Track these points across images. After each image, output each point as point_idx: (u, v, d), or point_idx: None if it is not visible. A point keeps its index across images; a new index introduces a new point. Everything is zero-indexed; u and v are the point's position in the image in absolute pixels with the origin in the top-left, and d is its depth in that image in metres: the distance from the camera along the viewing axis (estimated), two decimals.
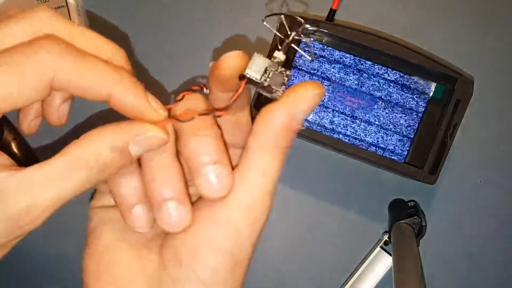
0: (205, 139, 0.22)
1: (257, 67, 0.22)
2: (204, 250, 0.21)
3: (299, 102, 0.21)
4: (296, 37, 0.23)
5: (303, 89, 0.21)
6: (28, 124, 0.23)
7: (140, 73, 0.47)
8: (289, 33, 0.23)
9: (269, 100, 0.22)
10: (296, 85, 0.22)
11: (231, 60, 0.22)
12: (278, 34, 0.24)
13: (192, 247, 0.22)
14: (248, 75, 0.22)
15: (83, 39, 0.21)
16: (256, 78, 0.22)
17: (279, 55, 0.23)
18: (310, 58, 0.23)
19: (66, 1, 0.41)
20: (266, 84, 0.22)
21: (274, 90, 0.22)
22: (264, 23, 0.24)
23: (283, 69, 0.22)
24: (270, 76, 0.22)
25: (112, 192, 0.23)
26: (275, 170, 0.23)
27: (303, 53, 0.25)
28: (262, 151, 0.22)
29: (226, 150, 0.23)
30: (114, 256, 0.23)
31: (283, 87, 0.22)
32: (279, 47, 0.23)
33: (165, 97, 0.46)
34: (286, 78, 0.22)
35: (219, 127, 0.23)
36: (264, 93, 0.22)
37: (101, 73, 0.20)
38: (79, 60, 0.19)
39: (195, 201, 0.23)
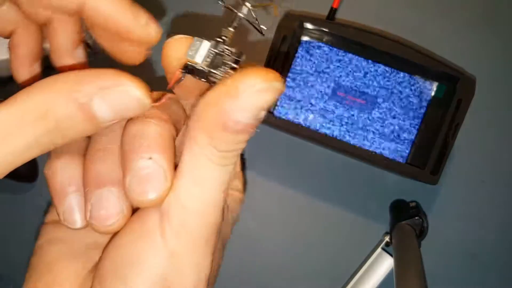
0: (149, 126, 0.17)
1: (197, 50, 0.17)
2: (130, 271, 0.17)
3: (235, 95, 0.15)
4: (250, 8, 0.18)
5: (244, 78, 0.15)
6: (27, 72, 0.20)
7: None
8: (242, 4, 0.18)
9: None
10: (240, 72, 0.16)
11: (172, 48, 0.17)
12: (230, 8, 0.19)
13: (117, 264, 0.17)
14: (188, 62, 0.17)
15: None
16: (196, 64, 0.17)
17: (226, 32, 0.18)
18: (261, 33, 0.19)
19: None
20: (206, 69, 0.17)
21: (212, 74, 0.17)
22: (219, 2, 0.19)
23: (230, 49, 0.18)
24: (210, 58, 0.17)
25: (46, 176, 0.19)
26: (214, 178, 0.17)
27: (255, 27, 0.20)
28: (195, 153, 0.17)
29: (173, 148, 0.18)
30: (54, 274, 0.19)
31: (223, 68, 0.17)
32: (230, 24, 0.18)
33: None
34: (229, 60, 0.17)
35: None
36: (210, 83, 0.18)
37: None
38: None
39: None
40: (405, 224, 0.42)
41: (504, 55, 0.45)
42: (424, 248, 0.41)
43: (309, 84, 0.43)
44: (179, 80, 0.18)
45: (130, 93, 0.15)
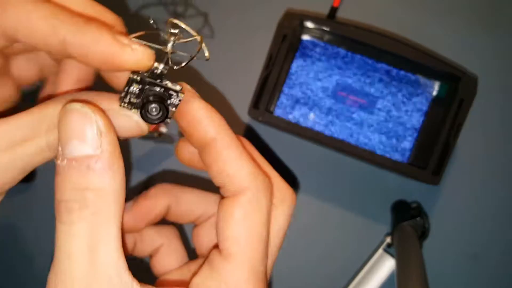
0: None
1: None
2: None
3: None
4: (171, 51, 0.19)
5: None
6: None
7: None
8: (167, 45, 0.19)
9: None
10: None
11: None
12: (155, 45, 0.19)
13: None
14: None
15: None
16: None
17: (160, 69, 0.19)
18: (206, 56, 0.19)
19: None
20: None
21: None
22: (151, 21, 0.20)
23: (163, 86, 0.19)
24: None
25: None
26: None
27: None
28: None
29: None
30: None
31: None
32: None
33: None
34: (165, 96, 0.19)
35: None
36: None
37: (46, 15, 0.17)
38: (26, 5, 0.17)
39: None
40: (407, 225, 0.41)
41: (506, 55, 0.45)
42: (425, 249, 0.41)
43: (309, 84, 0.43)
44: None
45: (131, 117, 0.19)
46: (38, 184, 0.46)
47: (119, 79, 0.20)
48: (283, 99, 0.43)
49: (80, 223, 0.17)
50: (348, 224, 0.45)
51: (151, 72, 0.18)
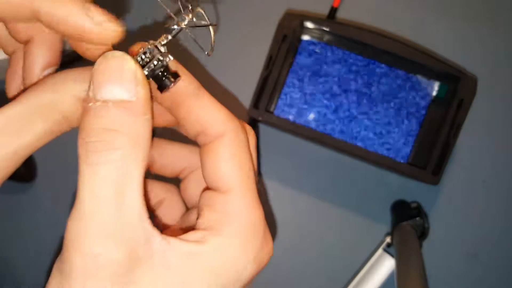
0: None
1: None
2: None
3: None
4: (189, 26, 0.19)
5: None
6: (17, 88, 0.21)
7: None
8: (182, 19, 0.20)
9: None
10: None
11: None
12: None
13: None
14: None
15: None
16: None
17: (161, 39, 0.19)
18: (206, 53, 0.21)
19: None
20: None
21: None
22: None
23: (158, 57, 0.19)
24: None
25: None
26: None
27: (199, 44, 0.21)
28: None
29: None
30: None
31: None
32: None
33: None
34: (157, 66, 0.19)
35: None
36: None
37: None
38: None
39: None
40: (407, 225, 0.41)
41: (506, 54, 0.45)
42: (425, 249, 0.41)
43: (309, 84, 0.43)
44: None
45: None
46: (38, 184, 0.46)
47: (92, 52, 0.20)
48: (283, 99, 0.43)
49: (109, 165, 0.17)
50: (348, 224, 0.45)
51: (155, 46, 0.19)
